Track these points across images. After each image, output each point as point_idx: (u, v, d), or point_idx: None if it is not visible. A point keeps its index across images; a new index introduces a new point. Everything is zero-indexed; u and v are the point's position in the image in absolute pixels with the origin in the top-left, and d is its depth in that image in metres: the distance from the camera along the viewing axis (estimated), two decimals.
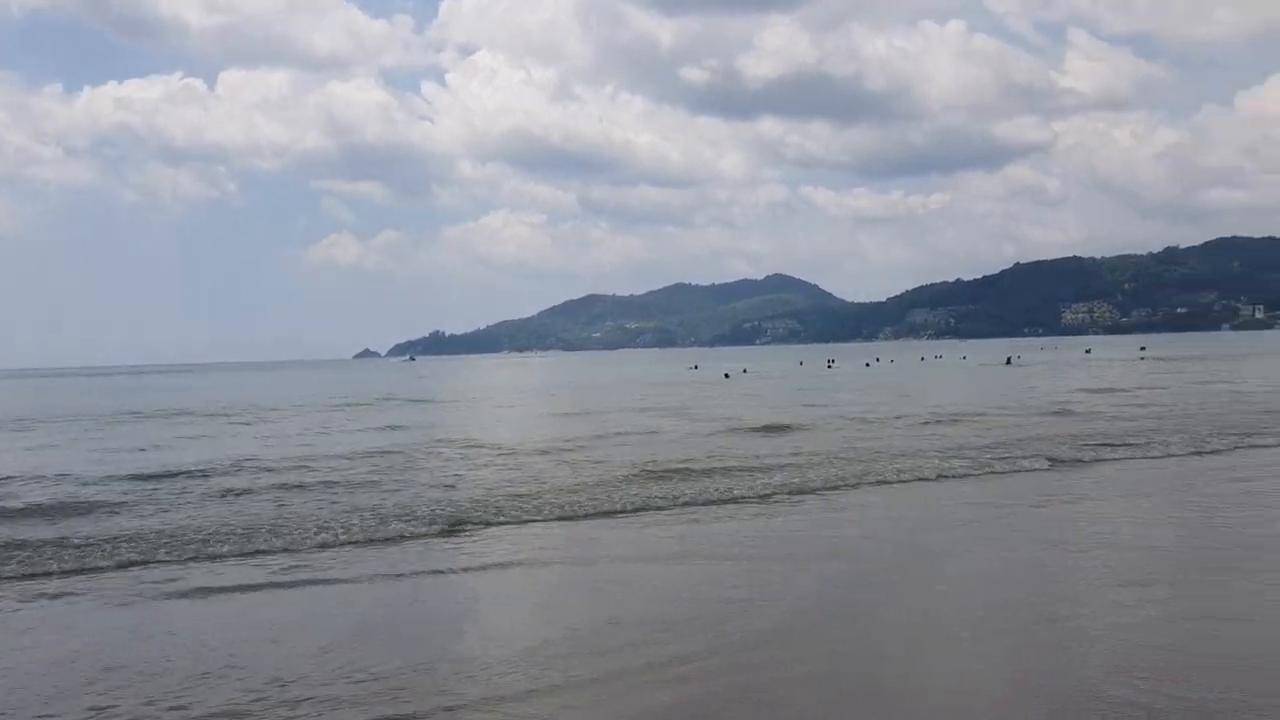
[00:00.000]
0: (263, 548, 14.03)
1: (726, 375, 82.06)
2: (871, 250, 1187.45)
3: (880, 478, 19.58)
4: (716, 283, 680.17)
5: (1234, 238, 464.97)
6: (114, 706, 7.88)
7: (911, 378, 72.28)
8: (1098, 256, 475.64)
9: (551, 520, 15.99)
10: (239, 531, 15.02)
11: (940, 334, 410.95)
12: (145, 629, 10.35)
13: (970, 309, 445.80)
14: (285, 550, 13.90)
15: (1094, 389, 47.99)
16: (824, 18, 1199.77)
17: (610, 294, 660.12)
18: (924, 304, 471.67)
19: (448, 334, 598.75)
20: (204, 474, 22.35)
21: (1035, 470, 20.42)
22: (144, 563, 13.34)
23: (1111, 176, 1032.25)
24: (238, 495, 19.10)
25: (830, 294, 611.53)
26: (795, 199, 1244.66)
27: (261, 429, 38.26)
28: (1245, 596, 10.31)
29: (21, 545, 14.26)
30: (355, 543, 14.39)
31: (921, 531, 14.68)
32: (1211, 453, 22.37)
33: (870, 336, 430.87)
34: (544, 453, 25.52)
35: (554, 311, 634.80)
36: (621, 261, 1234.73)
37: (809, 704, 7.62)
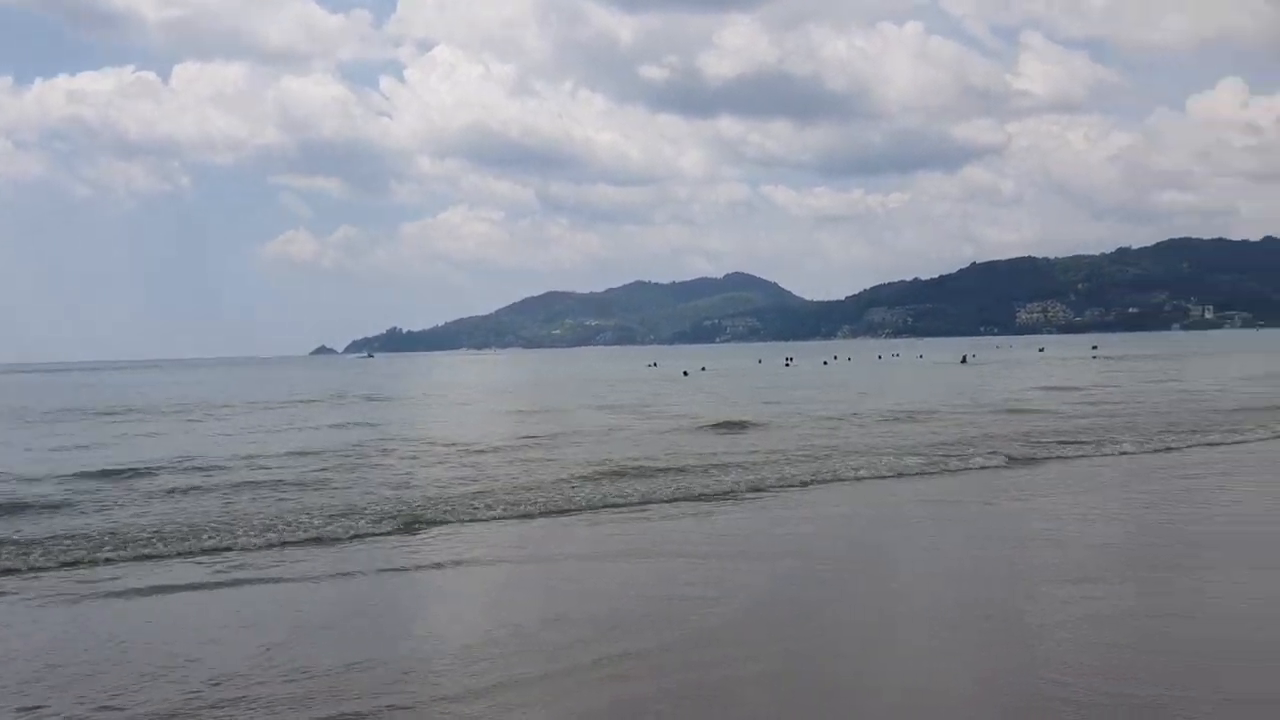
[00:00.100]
0: (208, 547, 13.74)
1: (685, 373, 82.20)
2: (831, 249, 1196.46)
3: (835, 475, 19.62)
4: (677, 281, 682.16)
5: (1185, 239, 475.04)
6: (44, 707, 7.66)
7: (868, 376, 72.76)
8: (1052, 257, 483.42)
9: (504, 519, 15.82)
10: (184, 530, 14.71)
11: (898, 332, 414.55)
12: (84, 629, 10.10)
13: (927, 308, 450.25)
14: (230, 549, 13.62)
15: (1047, 387, 48.56)
16: (784, 17, 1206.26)
17: (570, 291, 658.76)
18: (882, 303, 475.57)
19: (405, 331, 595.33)
20: (150, 472, 21.92)
21: (989, 468, 20.56)
22: (86, 562, 13.02)
23: (1065, 178, 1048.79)
24: (184, 494, 18.73)
25: (790, 292, 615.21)
26: (756, 197, 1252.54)
27: (211, 426, 37.69)
28: (1187, 594, 10.43)
29: None
30: (302, 542, 14.13)
31: (876, 529, 14.72)
32: (1159, 450, 22.66)
33: (829, 335, 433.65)
34: (498, 451, 25.32)
35: (513, 309, 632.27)
36: (581, 259, 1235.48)
37: (762, 702, 7.55)
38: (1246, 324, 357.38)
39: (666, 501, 17.08)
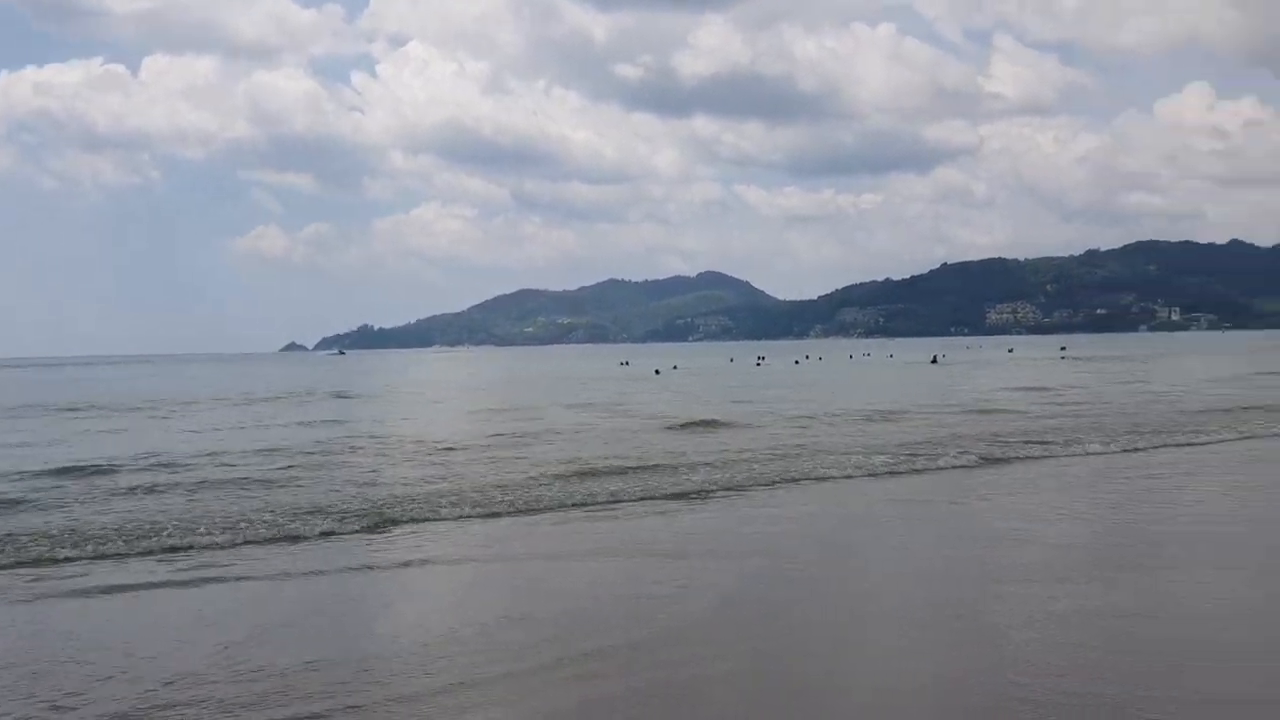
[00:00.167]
0: (169, 545, 13.52)
1: (657, 371, 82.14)
2: (803, 249, 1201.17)
3: (805, 475, 19.60)
4: (650, 279, 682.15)
5: (1152, 242, 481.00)
6: None
7: (839, 375, 73.05)
8: (1022, 258, 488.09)
9: (471, 518, 15.66)
10: (145, 528, 14.48)
11: (870, 332, 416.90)
12: (40, 628, 9.92)
13: (899, 308, 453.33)
14: (193, 548, 13.41)
15: (1015, 387, 48.89)
16: (757, 17, 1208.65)
17: (543, 289, 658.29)
18: (854, 303, 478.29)
19: (377, 328, 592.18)
20: (113, 470, 21.62)
21: (958, 467, 20.63)
22: (44, 560, 12.78)
23: (1036, 180, 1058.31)
24: (147, 491, 18.47)
25: (762, 291, 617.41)
26: (729, 197, 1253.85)
27: (177, 423, 37.26)
28: (1152, 594, 10.47)
29: None
30: (266, 540, 13.94)
31: (844, 528, 14.72)
32: (1126, 451, 22.83)
33: (801, 334, 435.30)
34: (468, 449, 25.15)
35: (486, 306, 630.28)
36: (555, 256, 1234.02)
37: (729, 701, 7.51)
38: (1213, 326, 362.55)
39: (635, 500, 17.00)
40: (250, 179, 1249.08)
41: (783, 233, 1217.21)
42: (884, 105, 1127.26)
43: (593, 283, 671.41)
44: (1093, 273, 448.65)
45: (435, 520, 15.35)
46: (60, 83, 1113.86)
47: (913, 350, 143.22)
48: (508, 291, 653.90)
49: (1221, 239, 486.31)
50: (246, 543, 13.75)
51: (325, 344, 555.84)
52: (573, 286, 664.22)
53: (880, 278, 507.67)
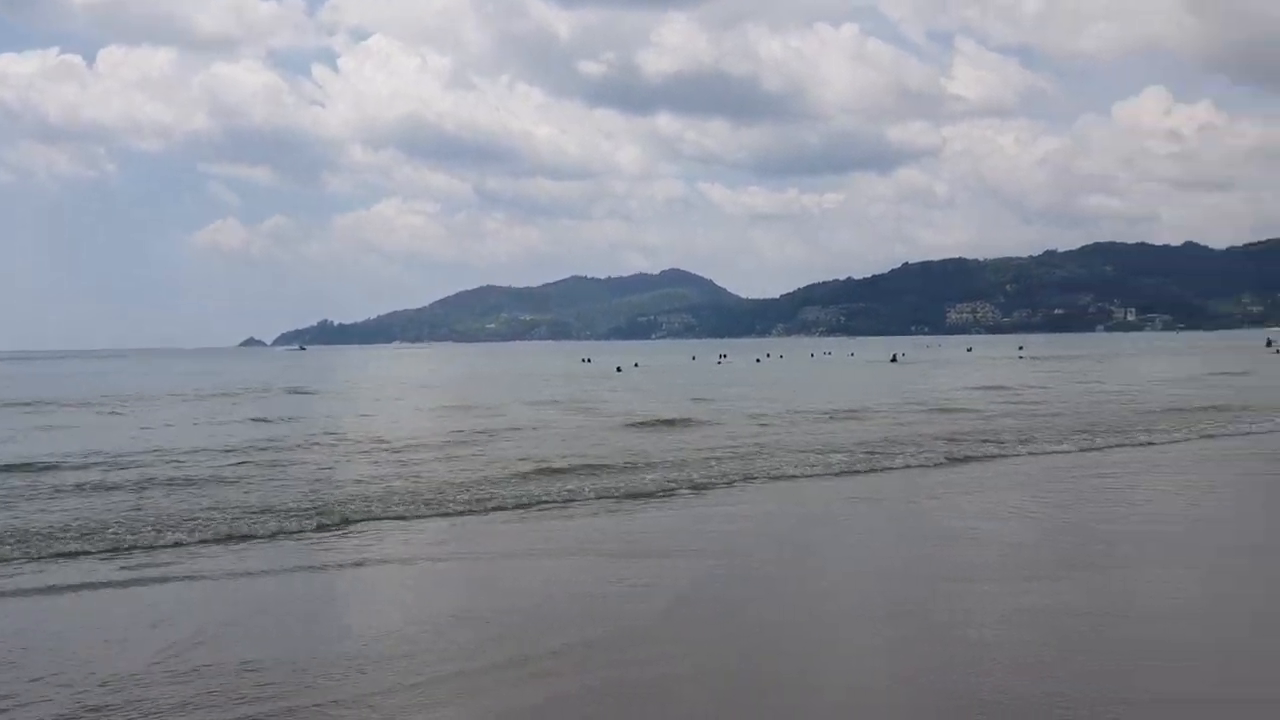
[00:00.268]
0: (115, 544, 13.22)
1: (618, 369, 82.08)
2: (766, 248, 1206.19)
3: (764, 473, 19.58)
4: (613, 276, 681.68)
5: (1109, 243, 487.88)
6: None
7: (800, 374, 73.35)
8: (981, 258, 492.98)
9: (426, 516, 15.45)
10: (91, 527, 14.17)
11: (831, 331, 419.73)
12: None
13: (860, 307, 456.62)
14: (138, 547, 13.13)
15: (974, 387, 49.27)
16: (722, 16, 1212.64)
17: (505, 285, 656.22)
18: (816, 301, 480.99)
19: (337, 324, 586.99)
20: (59, 467, 21.18)
21: (916, 466, 20.69)
22: None
23: (997, 182, 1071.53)
24: (94, 489, 18.09)
25: (725, 290, 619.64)
26: (693, 194, 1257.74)
27: (128, 419, 36.61)
28: (1107, 593, 10.50)
29: None
30: (216, 539, 13.66)
31: (803, 527, 14.69)
32: (1081, 450, 23.01)
33: (763, 332, 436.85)
34: (426, 447, 24.91)
35: (448, 302, 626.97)
36: (518, 253, 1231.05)
37: (685, 699, 7.45)
38: (1167, 326, 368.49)
39: (593, 499, 16.88)
40: (208, 172, 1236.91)
41: (746, 231, 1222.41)
42: (848, 105, 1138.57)
43: (555, 279, 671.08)
44: (1051, 273, 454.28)
45: (389, 519, 15.13)
46: (14, 73, 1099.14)
47: (873, 349, 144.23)
48: (470, 288, 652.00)
49: (1176, 241, 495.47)
50: (194, 542, 13.48)
51: (284, 339, 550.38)
52: (535, 283, 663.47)
53: (842, 277, 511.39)
